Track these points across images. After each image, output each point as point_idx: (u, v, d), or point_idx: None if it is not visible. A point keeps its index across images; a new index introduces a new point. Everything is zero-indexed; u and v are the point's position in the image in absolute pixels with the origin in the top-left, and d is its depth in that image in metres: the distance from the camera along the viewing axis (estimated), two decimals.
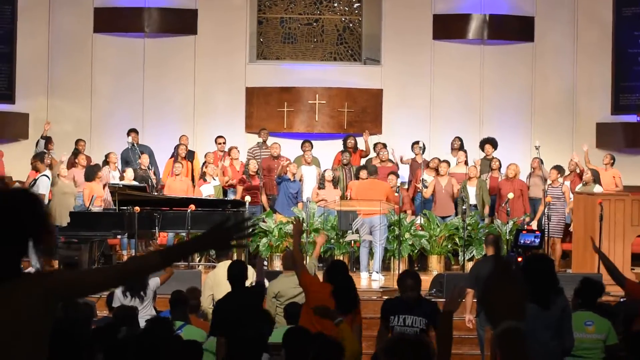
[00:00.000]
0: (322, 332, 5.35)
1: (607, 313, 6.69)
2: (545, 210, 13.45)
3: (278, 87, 16.93)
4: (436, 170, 14.45)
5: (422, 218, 14.01)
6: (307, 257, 11.80)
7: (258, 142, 15.48)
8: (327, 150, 15.94)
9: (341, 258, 13.22)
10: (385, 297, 10.66)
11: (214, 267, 12.35)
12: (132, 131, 15.29)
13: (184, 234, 13.19)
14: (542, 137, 16.00)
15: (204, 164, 14.99)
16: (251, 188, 14.27)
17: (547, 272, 5.63)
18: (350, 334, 5.72)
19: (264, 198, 14.53)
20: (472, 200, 14.15)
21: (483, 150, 15.29)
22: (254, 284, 7.62)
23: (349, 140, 15.48)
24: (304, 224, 12.84)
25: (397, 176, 14.22)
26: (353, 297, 6.84)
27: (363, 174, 13.76)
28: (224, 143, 15.47)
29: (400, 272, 11.66)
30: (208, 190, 14.26)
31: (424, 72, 17.13)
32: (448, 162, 14.55)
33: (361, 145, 15.68)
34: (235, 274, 7.08)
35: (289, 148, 15.75)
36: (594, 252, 9.20)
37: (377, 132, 16.87)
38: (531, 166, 14.74)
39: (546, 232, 12.98)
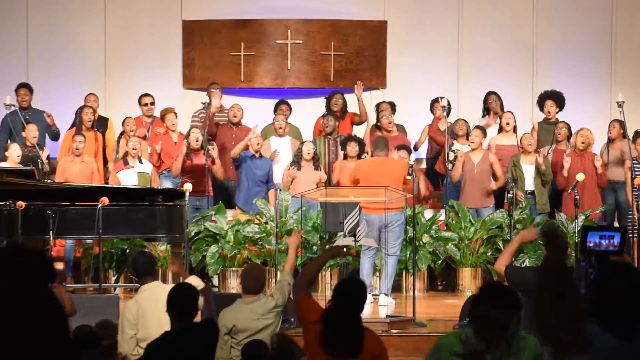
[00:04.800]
0: None
1: None
2: (632, 199, 13.48)
3: (230, 19, 16.85)
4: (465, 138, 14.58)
5: (446, 212, 13.99)
6: (278, 273, 11.78)
7: (204, 104, 15.33)
8: (305, 115, 15.89)
9: (328, 274, 13.23)
10: (395, 331, 10.67)
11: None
12: (23, 87, 15.23)
13: (90, 241, 13.13)
14: (627, 90, 15.96)
15: (121, 134, 14.92)
16: (192, 170, 14.16)
17: (631, 290, 5.62)
18: None
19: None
20: (529, 185, 14.15)
21: (542, 109, 15.25)
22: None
23: (334, 100, 15.44)
24: (273, 223, 12.81)
25: (410, 151, 14.20)
26: (347, 336, 6.58)
27: (351, 147, 13.75)
28: (152, 104, 15.39)
29: (414, 292, 11.68)
30: (129, 178, 14.16)
31: None
32: (482, 129, 14.54)
33: (353, 107, 15.61)
34: (183, 305, 6.97)
35: (249, 111, 15.69)
36: None
37: (378, 86, 16.83)
38: (608, 134, 14.70)
39: (632, 231, 13.01)
